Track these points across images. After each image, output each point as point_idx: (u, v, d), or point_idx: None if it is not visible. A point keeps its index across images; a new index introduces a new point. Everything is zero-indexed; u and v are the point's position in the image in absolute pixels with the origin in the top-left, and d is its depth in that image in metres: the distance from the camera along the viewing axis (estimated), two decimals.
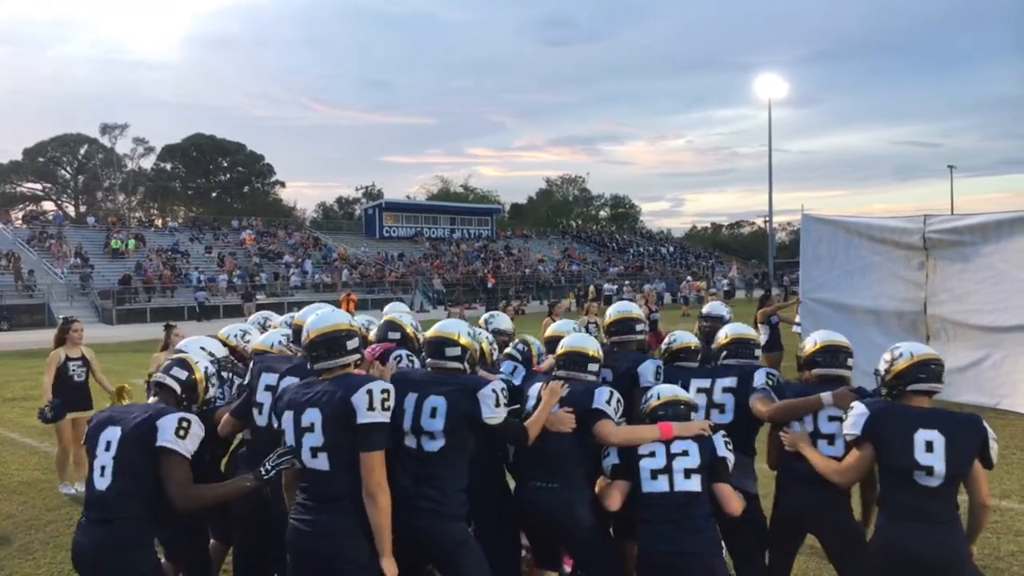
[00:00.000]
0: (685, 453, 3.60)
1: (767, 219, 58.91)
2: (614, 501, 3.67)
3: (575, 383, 3.85)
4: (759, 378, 4.13)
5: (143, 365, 16.03)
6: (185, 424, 3.22)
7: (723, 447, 3.68)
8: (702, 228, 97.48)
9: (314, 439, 3.10)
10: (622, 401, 3.84)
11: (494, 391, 3.40)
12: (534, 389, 3.91)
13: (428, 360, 3.75)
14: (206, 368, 3.72)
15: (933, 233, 10.69)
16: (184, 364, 3.65)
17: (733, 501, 3.62)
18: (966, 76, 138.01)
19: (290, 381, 3.55)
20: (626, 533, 4.01)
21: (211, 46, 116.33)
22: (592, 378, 3.94)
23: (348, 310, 28.15)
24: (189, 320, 30.71)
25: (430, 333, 3.77)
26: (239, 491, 3.30)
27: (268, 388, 3.73)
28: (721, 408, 4.13)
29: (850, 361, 4.00)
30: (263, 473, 3.21)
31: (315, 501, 3.13)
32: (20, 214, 54.65)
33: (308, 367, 3.34)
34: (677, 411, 3.82)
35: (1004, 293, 10.07)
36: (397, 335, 4.31)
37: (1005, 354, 10.14)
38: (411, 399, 3.47)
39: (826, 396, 3.77)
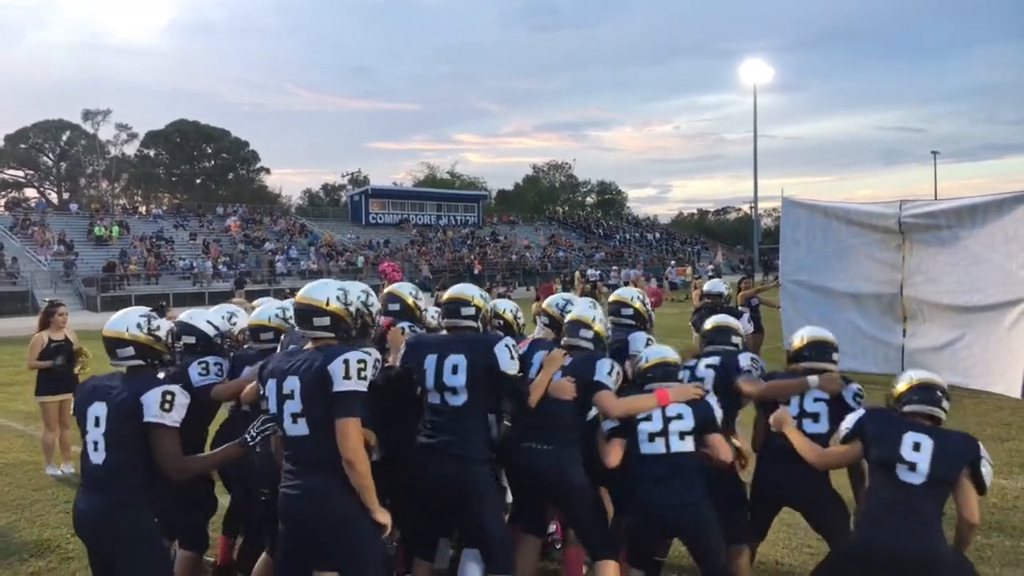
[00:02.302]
0: (679, 417, 3.82)
1: (752, 205, 59.30)
2: (614, 457, 3.86)
3: (576, 353, 4.06)
4: (743, 361, 4.40)
5: None
6: (169, 397, 3.28)
7: (718, 408, 3.92)
8: (688, 214, 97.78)
9: (294, 405, 3.18)
10: (621, 372, 4.04)
11: (507, 345, 3.73)
12: (538, 356, 4.06)
13: (444, 321, 4.04)
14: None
15: (909, 218, 10.91)
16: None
17: (724, 449, 3.82)
18: (949, 62, 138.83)
19: None
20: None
21: (193, 32, 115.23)
22: (587, 345, 4.12)
23: None
24: (175, 307, 30.59)
25: (446, 295, 4.07)
26: (227, 458, 3.42)
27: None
28: (701, 381, 4.33)
29: (835, 356, 4.22)
30: (248, 440, 3.31)
31: (298, 466, 3.22)
32: (2, 201, 54.22)
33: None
34: (666, 372, 4.08)
35: (978, 274, 10.30)
36: (396, 306, 4.47)
37: (978, 334, 10.37)
38: (431, 359, 3.76)
39: (812, 379, 4.04)
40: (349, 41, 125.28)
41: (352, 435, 3.10)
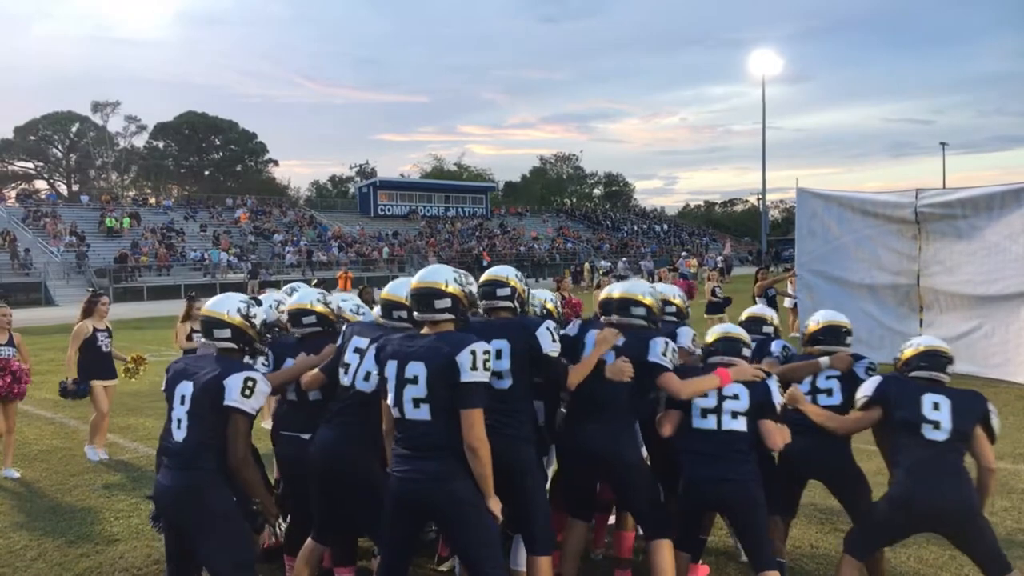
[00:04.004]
0: (735, 396, 3.90)
1: (760, 196, 59.21)
2: (668, 428, 3.98)
3: (630, 333, 4.07)
4: (775, 347, 4.67)
5: (144, 342, 16.27)
6: (251, 383, 3.39)
7: (776, 392, 3.95)
8: (695, 206, 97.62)
9: (417, 390, 3.23)
10: (676, 349, 4.09)
11: (548, 328, 3.76)
12: (591, 336, 4.08)
13: (482, 302, 3.96)
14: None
15: (925, 207, 10.94)
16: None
17: (775, 436, 3.89)
18: (958, 52, 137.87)
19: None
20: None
21: (201, 23, 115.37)
22: (639, 322, 4.13)
23: (345, 288, 28.34)
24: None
25: (483, 277, 4.05)
26: (261, 491, 3.53)
27: (357, 351, 3.88)
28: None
29: (848, 339, 4.42)
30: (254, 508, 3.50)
31: (416, 450, 3.27)
32: (13, 193, 54.41)
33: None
34: (729, 346, 4.15)
35: (995, 264, 10.34)
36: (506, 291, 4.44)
37: (996, 324, 10.42)
38: (491, 353, 3.72)
39: (824, 360, 4.28)
40: (356, 32, 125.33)
41: (478, 424, 3.18)
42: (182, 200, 53.29)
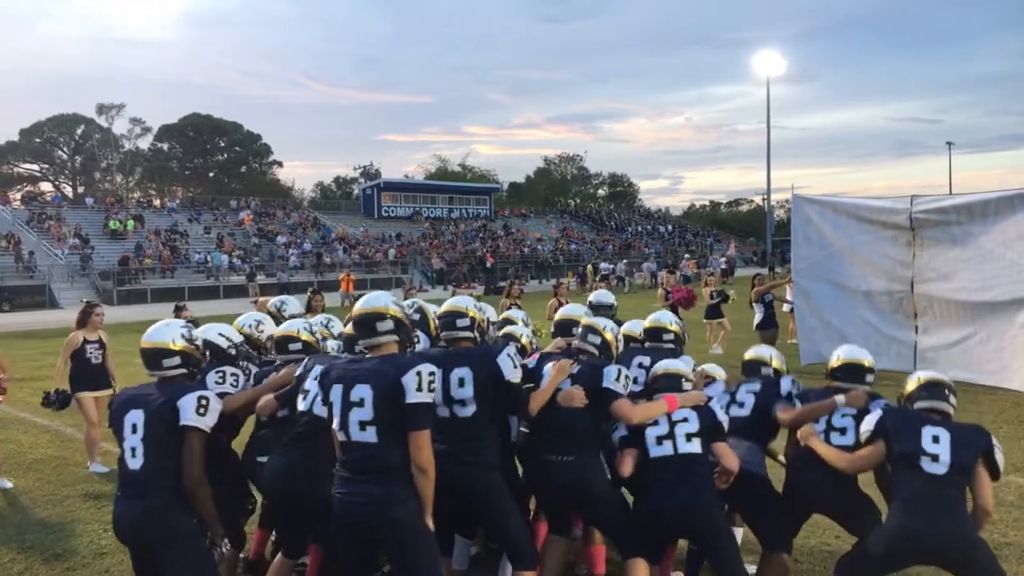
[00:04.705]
0: (685, 420, 4.02)
1: (765, 197, 59.14)
2: (627, 467, 4.05)
3: (583, 363, 4.19)
4: (785, 385, 4.53)
5: None
6: (204, 402, 3.48)
7: (720, 412, 4.12)
8: (700, 206, 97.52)
9: (363, 413, 3.27)
10: (630, 377, 4.20)
11: (508, 355, 3.86)
12: (547, 368, 4.17)
13: (442, 333, 4.13)
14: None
15: (920, 213, 10.90)
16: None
17: (730, 457, 3.99)
18: (964, 51, 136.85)
19: None
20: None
21: (205, 24, 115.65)
22: (593, 350, 4.29)
23: (347, 290, 28.33)
24: (191, 300, 30.86)
25: (441, 309, 4.19)
26: (211, 514, 3.55)
27: (316, 378, 3.89)
28: (741, 404, 4.52)
29: (869, 377, 4.33)
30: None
31: (360, 473, 3.30)
32: (18, 195, 54.66)
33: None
34: (671, 383, 4.29)
35: (991, 271, 10.29)
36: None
37: (992, 331, 10.38)
38: (437, 375, 3.75)
39: (840, 398, 4.20)
40: (360, 32, 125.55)
41: (425, 445, 3.25)
42: (186, 202, 53.45)
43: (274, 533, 4.73)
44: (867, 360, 4.35)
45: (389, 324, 3.42)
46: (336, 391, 3.37)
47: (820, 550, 5.08)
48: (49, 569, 5.11)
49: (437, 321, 4.32)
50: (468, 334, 4.06)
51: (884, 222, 11.38)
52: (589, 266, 39.32)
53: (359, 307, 3.51)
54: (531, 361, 4.44)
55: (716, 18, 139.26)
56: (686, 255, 48.18)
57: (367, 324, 3.44)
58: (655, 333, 4.93)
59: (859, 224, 11.69)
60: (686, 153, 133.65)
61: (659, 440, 3.98)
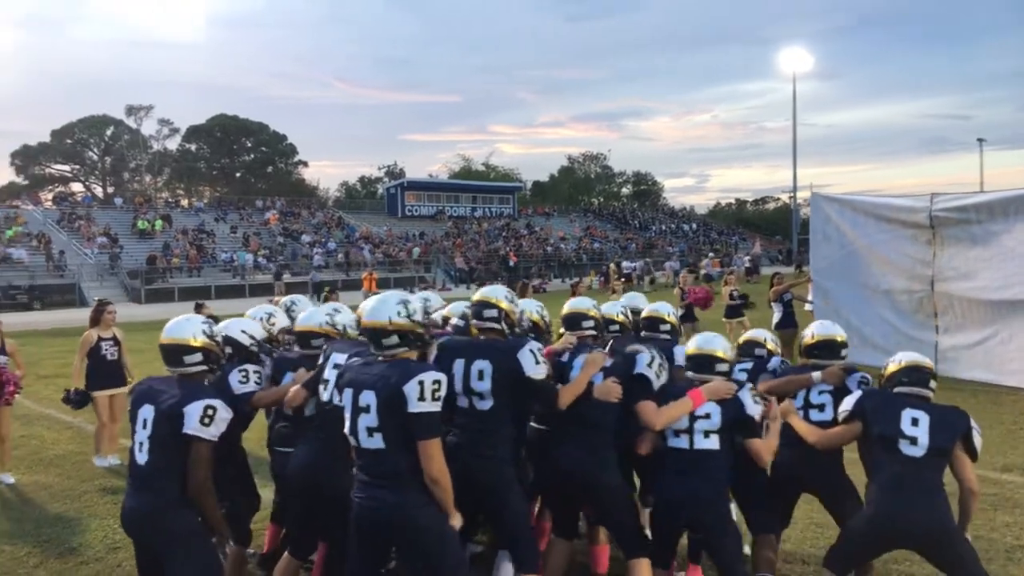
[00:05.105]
0: (707, 416, 3.89)
1: (791, 195, 58.58)
2: (645, 447, 4.04)
3: (617, 353, 4.14)
4: (773, 364, 4.73)
5: None
6: (210, 412, 3.41)
7: (751, 404, 3.90)
8: (726, 204, 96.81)
9: (369, 419, 3.24)
10: (664, 365, 4.13)
11: (531, 351, 3.74)
12: (578, 360, 4.11)
13: (473, 322, 4.08)
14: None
15: (940, 212, 10.79)
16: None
17: (764, 456, 3.93)
18: (995, 46, 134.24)
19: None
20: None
21: (232, 26, 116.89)
22: (591, 332, 4.38)
23: (370, 289, 28.52)
24: (217, 299, 31.23)
25: (474, 297, 4.16)
26: (217, 521, 3.52)
27: (336, 367, 3.92)
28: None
29: (844, 352, 4.42)
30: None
31: (374, 478, 3.28)
32: (50, 195, 55.61)
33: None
34: (701, 363, 4.09)
35: (1013, 269, 10.17)
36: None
37: (1014, 330, 10.26)
38: (459, 364, 3.81)
39: (816, 375, 4.29)
40: (385, 33, 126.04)
41: (435, 455, 3.18)
42: (213, 202, 54.08)
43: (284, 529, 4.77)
44: (840, 336, 4.43)
45: (394, 339, 3.33)
46: (347, 395, 3.35)
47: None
48: (63, 563, 5.23)
49: (470, 310, 4.23)
50: (495, 325, 3.97)
51: (903, 220, 11.28)
52: (612, 265, 39.20)
53: (364, 319, 3.44)
54: (566, 355, 4.33)
55: (744, 15, 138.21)
56: (710, 254, 47.86)
57: (372, 338, 3.40)
58: (652, 323, 4.91)
59: (878, 223, 11.60)
60: (713, 151, 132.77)
61: (677, 433, 3.92)
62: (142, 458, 3.46)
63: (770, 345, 4.91)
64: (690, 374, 4.11)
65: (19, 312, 27.71)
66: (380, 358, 3.40)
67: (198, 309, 8.51)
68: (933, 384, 3.85)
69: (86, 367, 7.44)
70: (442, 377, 3.26)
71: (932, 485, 3.57)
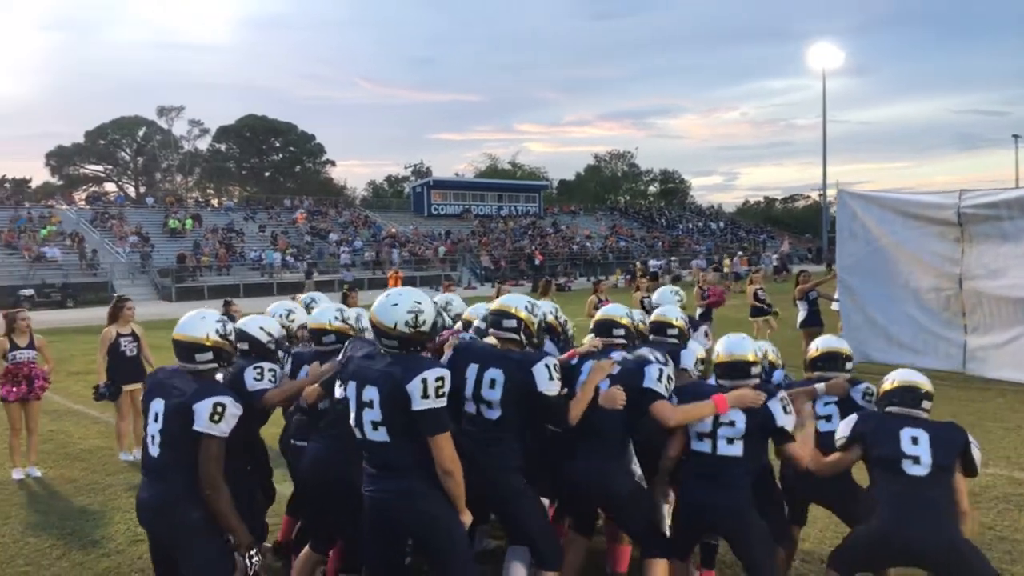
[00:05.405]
0: (731, 423, 3.82)
1: (821, 192, 57.93)
2: (674, 448, 4.02)
3: (626, 361, 4.10)
4: (776, 377, 4.72)
5: None
6: (220, 409, 3.40)
7: (781, 414, 3.81)
8: (755, 202, 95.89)
9: (373, 414, 3.25)
10: (672, 377, 4.04)
11: (546, 365, 3.66)
12: (586, 366, 4.07)
13: (490, 330, 4.04)
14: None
15: (968, 208, 10.61)
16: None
17: (802, 458, 3.88)
18: None
19: None
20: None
21: (262, 28, 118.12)
22: (621, 341, 4.32)
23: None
24: (245, 297, 31.53)
25: (492, 306, 4.09)
26: (232, 520, 3.46)
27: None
28: None
29: (848, 364, 4.41)
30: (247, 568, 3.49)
31: (381, 470, 3.31)
32: (83, 195, 56.58)
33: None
34: (733, 369, 4.02)
35: None
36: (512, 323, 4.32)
37: None
38: (472, 369, 3.79)
39: (820, 387, 4.24)
40: (412, 33, 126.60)
41: (446, 448, 3.18)
42: (242, 201, 54.70)
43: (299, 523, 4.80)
44: (845, 349, 4.43)
45: (394, 343, 3.34)
46: (351, 388, 3.36)
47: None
48: (85, 555, 5.32)
49: (489, 318, 4.14)
50: (513, 335, 3.92)
51: (931, 217, 11.12)
52: (637, 263, 39.02)
53: (373, 315, 3.41)
54: (572, 360, 4.30)
55: (772, 10, 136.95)
56: (739, 252, 47.48)
57: (377, 335, 3.40)
58: (659, 327, 4.86)
59: (905, 220, 11.44)
60: (742, 148, 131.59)
61: (700, 436, 3.88)
62: (154, 451, 3.50)
63: (771, 357, 4.82)
64: (723, 382, 4.03)
65: (53, 310, 28.26)
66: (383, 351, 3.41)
67: (227, 306, 8.61)
68: (927, 404, 3.75)
69: (107, 364, 7.55)
70: (445, 373, 3.25)
71: (938, 503, 3.47)
